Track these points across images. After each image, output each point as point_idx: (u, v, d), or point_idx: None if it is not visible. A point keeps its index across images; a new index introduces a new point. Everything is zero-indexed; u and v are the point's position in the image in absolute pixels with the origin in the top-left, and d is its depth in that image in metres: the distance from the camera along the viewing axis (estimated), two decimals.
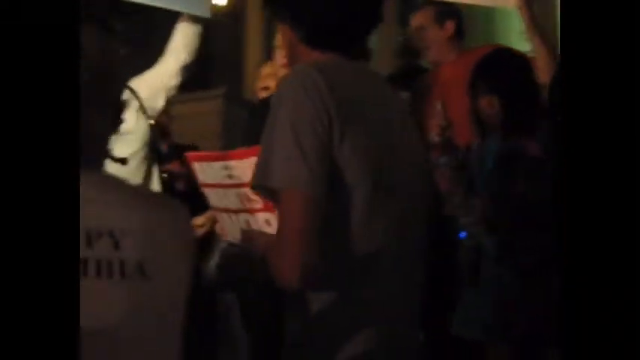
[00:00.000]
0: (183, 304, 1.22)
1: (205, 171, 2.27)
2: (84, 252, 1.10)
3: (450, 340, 2.50)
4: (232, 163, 2.11)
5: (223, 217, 2.30)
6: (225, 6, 8.59)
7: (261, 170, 1.35)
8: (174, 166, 3.75)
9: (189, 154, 2.32)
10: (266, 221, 1.99)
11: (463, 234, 2.49)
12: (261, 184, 1.36)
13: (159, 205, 1.28)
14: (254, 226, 2.19)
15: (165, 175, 3.17)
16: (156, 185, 3.00)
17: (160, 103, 3.06)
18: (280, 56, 2.88)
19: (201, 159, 2.28)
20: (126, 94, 2.91)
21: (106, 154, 1.28)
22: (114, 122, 1.29)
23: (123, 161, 1.75)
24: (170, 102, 3.17)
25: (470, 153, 2.51)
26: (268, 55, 5.17)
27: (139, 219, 1.18)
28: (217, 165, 2.20)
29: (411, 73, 3.49)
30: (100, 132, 1.25)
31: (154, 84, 3.05)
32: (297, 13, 1.48)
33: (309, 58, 1.47)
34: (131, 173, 2.88)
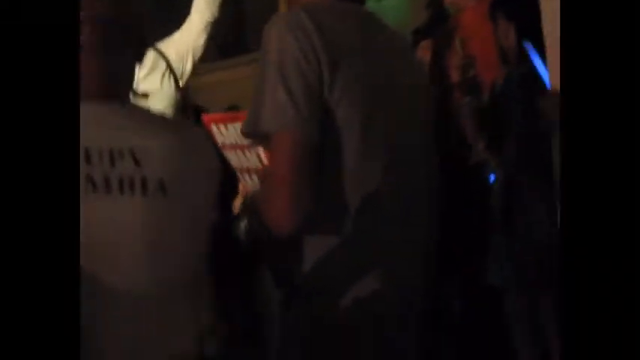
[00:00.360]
0: (206, 229, 1.24)
1: (223, 133, 2.26)
2: (107, 170, 1.15)
3: (485, 287, 2.45)
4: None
5: (245, 178, 2.29)
6: None
7: (251, 116, 1.32)
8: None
9: (206, 116, 2.31)
10: None
11: (492, 178, 2.42)
12: (251, 131, 1.33)
13: (180, 127, 1.32)
14: None
15: None
16: None
17: (188, 65, 3.03)
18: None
19: (217, 121, 2.27)
20: (153, 56, 2.90)
21: (130, 89, 1.31)
22: (136, 60, 1.32)
23: (145, 96, 1.76)
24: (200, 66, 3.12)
25: (496, 90, 2.43)
26: None
27: (161, 139, 1.21)
28: (235, 126, 2.19)
29: (437, 22, 3.44)
30: (122, 70, 1.28)
31: (181, 46, 3.03)
32: None
33: (304, 0, 1.43)
34: None
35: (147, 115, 1.30)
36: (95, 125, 1.17)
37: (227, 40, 9.32)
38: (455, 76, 2.49)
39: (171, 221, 1.20)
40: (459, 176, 2.06)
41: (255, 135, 1.34)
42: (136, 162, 1.18)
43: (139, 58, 1.33)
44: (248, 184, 2.32)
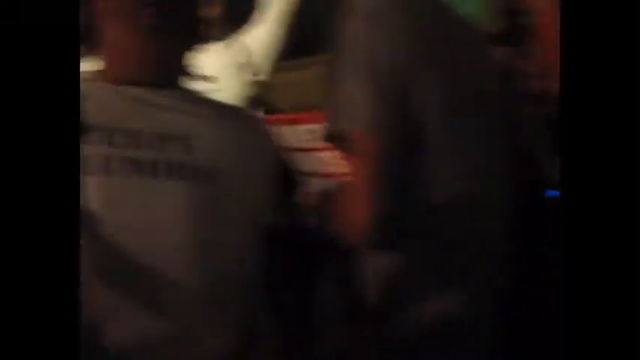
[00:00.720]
0: (260, 224, 1.21)
1: (288, 135, 2.21)
2: (156, 153, 1.12)
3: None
4: (316, 126, 2.06)
5: (310, 183, 2.23)
6: None
7: (333, 117, 1.25)
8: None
9: (269, 117, 2.26)
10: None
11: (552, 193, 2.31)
12: (333, 131, 1.25)
13: (237, 114, 1.28)
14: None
15: None
16: None
17: (263, 58, 2.99)
18: None
19: (281, 122, 2.22)
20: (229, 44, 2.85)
21: (183, 72, 1.27)
22: (190, 43, 1.27)
23: (206, 78, 1.73)
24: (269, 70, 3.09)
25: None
26: None
27: (215, 126, 1.17)
28: (301, 128, 2.14)
29: (514, 29, 3.33)
30: (174, 52, 1.24)
31: (256, 36, 3.00)
32: None
33: None
34: None
35: (202, 100, 1.26)
36: (145, 108, 1.14)
37: (295, 40, 9.30)
38: (533, 85, 2.39)
39: (220, 212, 1.16)
40: (527, 189, 1.97)
41: (336, 136, 1.28)
42: (187, 147, 1.14)
43: (195, 42, 1.28)
44: (312, 188, 2.27)
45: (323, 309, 1.49)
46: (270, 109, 3.55)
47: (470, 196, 1.29)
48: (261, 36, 2.99)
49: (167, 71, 1.23)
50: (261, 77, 2.98)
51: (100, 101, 1.16)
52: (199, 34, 1.30)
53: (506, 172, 1.42)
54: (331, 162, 2.13)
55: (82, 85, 1.02)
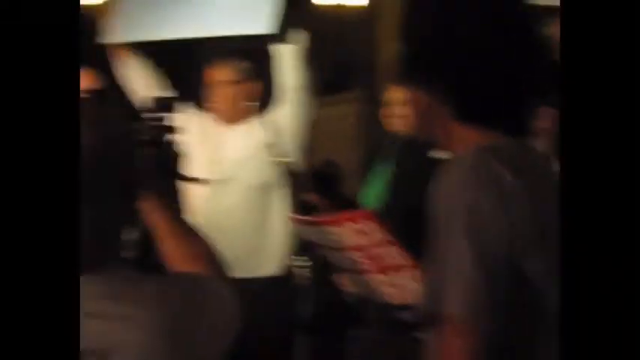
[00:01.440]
0: None
1: (315, 233, 2.13)
2: None
3: None
4: (331, 229, 2.00)
5: (347, 277, 2.09)
6: (361, 6, 8.39)
7: (430, 291, 1.09)
8: (313, 197, 3.57)
9: (292, 217, 2.15)
10: (382, 282, 1.93)
11: None
12: (428, 311, 1.09)
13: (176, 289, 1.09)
14: (374, 286, 2.01)
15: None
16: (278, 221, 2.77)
17: (287, 142, 2.81)
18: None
19: (303, 223, 2.18)
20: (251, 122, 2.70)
21: (117, 252, 1.09)
22: (125, 211, 1.09)
23: (199, 181, 1.56)
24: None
25: None
26: None
27: (140, 325, 1.01)
28: (322, 229, 2.06)
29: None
30: (109, 225, 1.05)
31: (279, 115, 2.82)
32: (449, 81, 1.15)
33: (461, 135, 1.16)
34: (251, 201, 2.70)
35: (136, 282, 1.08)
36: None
37: (327, 77, 9.20)
38: None
39: None
40: None
41: (431, 316, 1.09)
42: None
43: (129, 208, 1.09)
44: (352, 283, 2.08)
45: None
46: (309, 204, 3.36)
47: None
48: (286, 116, 2.80)
49: (97, 251, 1.04)
50: (289, 158, 2.80)
51: None
52: (136, 196, 1.11)
53: None
54: (357, 259, 1.97)
55: None
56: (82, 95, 1.02)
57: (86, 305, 0.99)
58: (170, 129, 1.49)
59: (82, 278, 0.98)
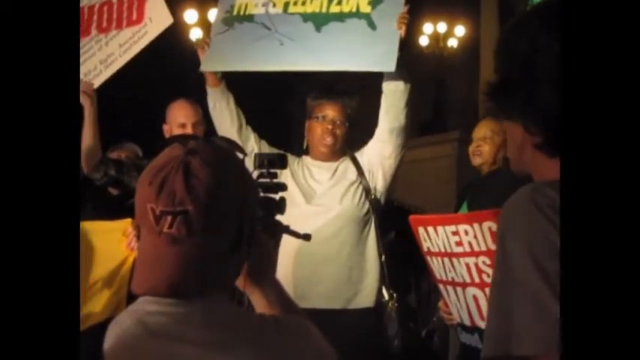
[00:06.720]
0: None
1: (430, 237, 2.04)
2: None
3: None
4: (463, 227, 1.92)
5: (448, 291, 2.04)
6: (463, 47, 8.41)
7: (498, 334, 1.07)
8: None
9: (413, 218, 2.11)
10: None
11: None
12: (503, 355, 1.06)
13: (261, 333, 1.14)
14: (483, 303, 1.91)
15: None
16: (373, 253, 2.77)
17: (379, 180, 2.83)
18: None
19: (425, 223, 2.05)
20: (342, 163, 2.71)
21: (219, 279, 1.17)
22: (228, 246, 1.16)
23: (304, 237, 1.61)
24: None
25: None
26: None
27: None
28: (444, 230, 1.96)
29: None
30: (205, 260, 1.13)
31: (372, 154, 2.84)
32: (536, 115, 1.14)
33: (546, 167, 1.16)
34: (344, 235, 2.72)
35: (230, 315, 1.15)
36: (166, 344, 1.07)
37: (426, 117, 9.17)
38: None
39: None
40: None
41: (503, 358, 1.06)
42: None
43: (236, 244, 1.18)
44: (451, 298, 2.07)
45: None
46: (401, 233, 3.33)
47: None
48: (373, 148, 2.82)
49: (196, 281, 1.12)
50: (378, 196, 2.81)
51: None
52: (241, 235, 1.18)
53: None
54: (476, 269, 1.94)
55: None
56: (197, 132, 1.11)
57: (181, 330, 1.05)
58: (280, 186, 1.57)
59: (180, 303, 1.08)
